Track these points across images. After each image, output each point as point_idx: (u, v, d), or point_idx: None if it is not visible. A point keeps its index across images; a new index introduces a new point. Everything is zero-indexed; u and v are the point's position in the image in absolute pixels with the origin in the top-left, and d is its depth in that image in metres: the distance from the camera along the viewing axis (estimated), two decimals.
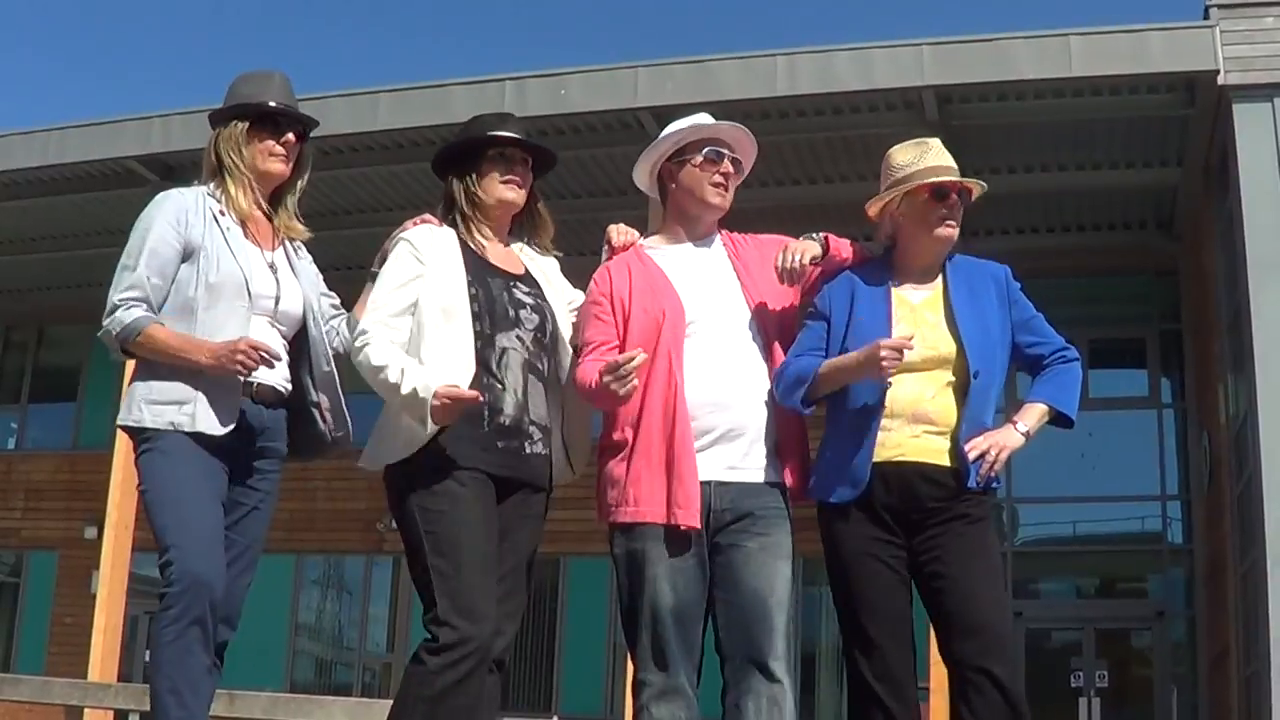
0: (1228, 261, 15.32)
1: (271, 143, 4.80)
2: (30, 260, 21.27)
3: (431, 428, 4.35)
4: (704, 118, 4.89)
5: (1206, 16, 14.70)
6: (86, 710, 15.21)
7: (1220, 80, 14.33)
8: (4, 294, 23.39)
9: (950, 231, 4.67)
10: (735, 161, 4.79)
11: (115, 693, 11.80)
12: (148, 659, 21.04)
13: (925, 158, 4.71)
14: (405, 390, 4.35)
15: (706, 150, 4.77)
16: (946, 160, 4.72)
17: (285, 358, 4.76)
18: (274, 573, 19.44)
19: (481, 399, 4.43)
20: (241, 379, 4.53)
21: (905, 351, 4.36)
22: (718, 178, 4.76)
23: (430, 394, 4.29)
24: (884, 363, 4.33)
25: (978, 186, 4.74)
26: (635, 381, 4.32)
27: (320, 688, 21.50)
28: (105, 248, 19.55)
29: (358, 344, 4.56)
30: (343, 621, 23.00)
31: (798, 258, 4.66)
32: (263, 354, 4.41)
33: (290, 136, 4.81)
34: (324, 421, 4.83)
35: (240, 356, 4.37)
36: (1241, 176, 14.12)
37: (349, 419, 4.88)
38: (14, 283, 22.83)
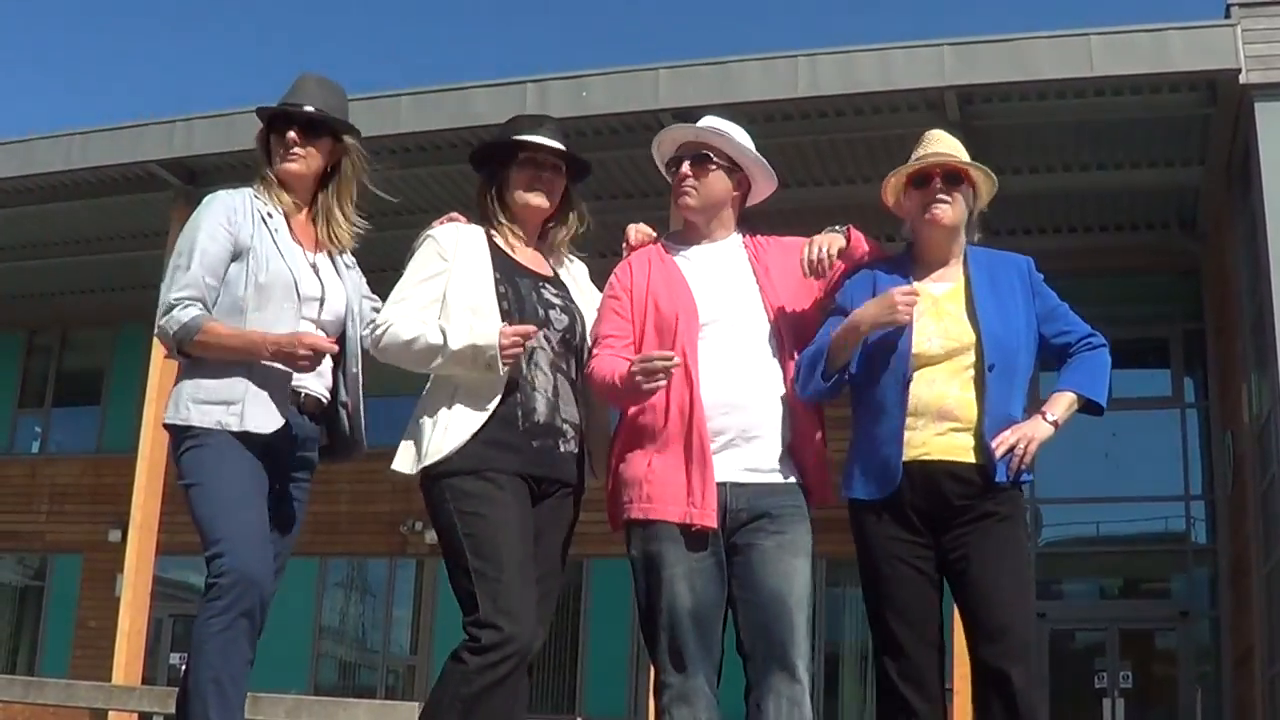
0: (1250, 260, 15.29)
1: (280, 145, 4.81)
2: (53, 264, 21.35)
3: (502, 371, 4.39)
4: (706, 121, 4.91)
5: (1227, 15, 14.67)
6: (111, 713, 15.25)
7: (1242, 79, 14.31)
8: (28, 298, 23.48)
9: (939, 212, 4.65)
10: (699, 156, 4.77)
11: (140, 695, 11.83)
12: (177, 659, 21.11)
13: (920, 149, 4.76)
14: (458, 345, 4.38)
15: (668, 161, 4.87)
16: (938, 147, 4.72)
17: (331, 363, 4.78)
18: (298, 576, 19.42)
19: (536, 331, 4.47)
20: (289, 384, 4.57)
21: (914, 302, 4.39)
22: (677, 185, 4.79)
23: (493, 340, 4.34)
24: (900, 306, 4.36)
25: (972, 168, 4.72)
26: (664, 380, 4.30)
27: (344, 690, 21.52)
28: (128, 251, 19.76)
29: (377, 332, 4.57)
30: (366, 624, 23.04)
31: (824, 249, 4.65)
32: (320, 349, 4.43)
33: (291, 135, 4.81)
34: (347, 420, 4.84)
35: (302, 355, 4.40)
36: (1264, 175, 14.09)
37: (364, 423, 4.89)
38: (37, 286, 22.91)
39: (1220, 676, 18.18)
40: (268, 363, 4.48)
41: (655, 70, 15.91)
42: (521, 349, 4.42)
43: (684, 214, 4.83)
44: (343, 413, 4.82)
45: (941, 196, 4.65)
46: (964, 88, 15.06)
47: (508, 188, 4.81)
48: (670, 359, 4.27)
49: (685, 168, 4.76)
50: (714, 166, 4.77)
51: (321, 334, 4.71)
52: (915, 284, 4.65)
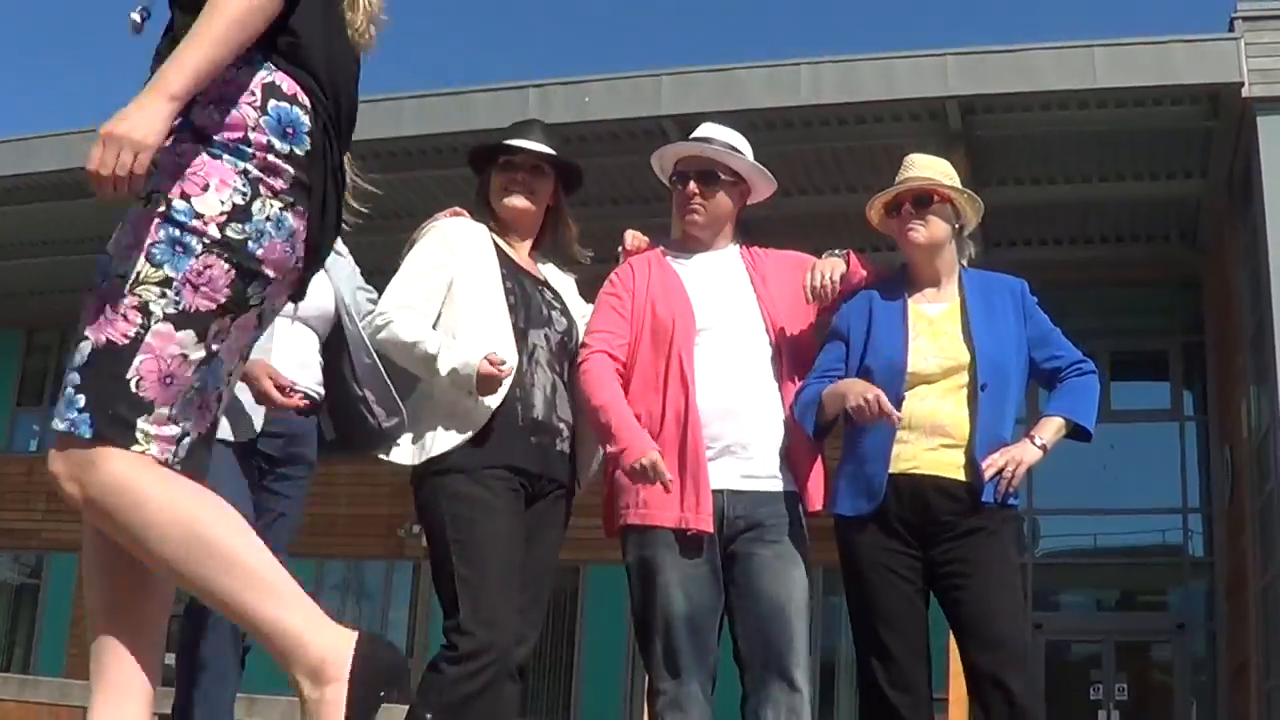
0: (1251, 274, 15.30)
1: None
2: (53, 262, 21.32)
3: (488, 402, 4.37)
4: (706, 129, 4.90)
5: (1231, 29, 14.69)
6: None
7: (1244, 92, 14.32)
8: (27, 296, 23.46)
9: (913, 235, 4.69)
10: (707, 175, 4.78)
11: None
12: (172, 659, 21.08)
13: (899, 175, 4.80)
14: (444, 367, 4.35)
15: (669, 177, 4.86)
16: (909, 173, 4.78)
17: (319, 359, 4.77)
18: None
19: (509, 372, 4.42)
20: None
21: (889, 416, 4.35)
22: (682, 201, 4.80)
23: (473, 370, 4.30)
24: (859, 405, 4.35)
25: (940, 186, 4.73)
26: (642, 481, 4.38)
27: None
28: None
29: (378, 322, 4.54)
30: (363, 626, 22.93)
31: (827, 276, 4.66)
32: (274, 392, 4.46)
33: None
34: (373, 416, 4.82)
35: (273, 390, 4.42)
36: (1265, 189, 14.09)
37: (402, 407, 4.87)
38: (37, 285, 22.89)
39: (1216, 689, 18.18)
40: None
41: (658, 76, 15.91)
42: (493, 383, 4.39)
43: (690, 231, 4.83)
44: (363, 408, 4.80)
45: (912, 223, 4.70)
46: (966, 98, 15.06)
47: (490, 192, 4.81)
48: (666, 485, 4.33)
49: (692, 186, 4.75)
50: (720, 184, 4.78)
51: (305, 330, 4.72)
52: (910, 303, 4.69)
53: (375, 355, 4.82)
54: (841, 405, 4.46)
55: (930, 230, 4.70)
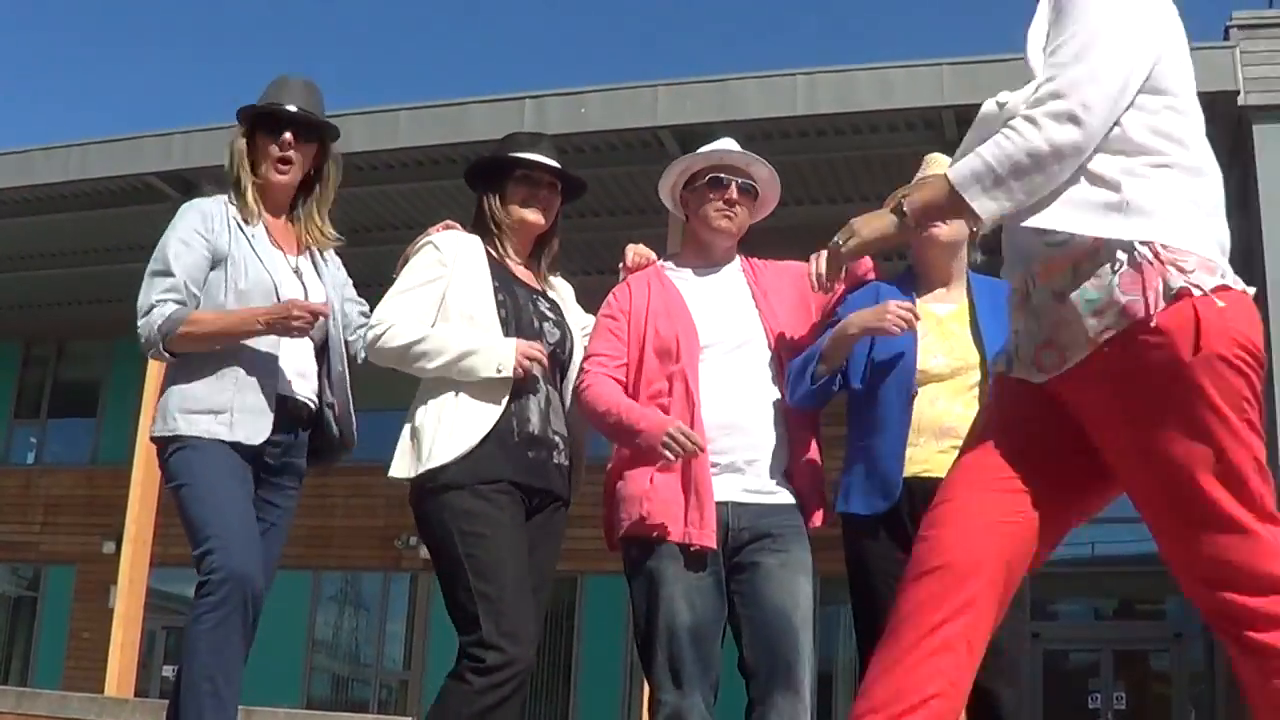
0: (1247, 281, 15.26)
1: (271, 146, 4.79)
2: (51, 275, 21.33)
3: (484, 417, 4.45)
4: (726, 142, 4.88)
5: (1226, 37, 14.68)
6: None
7: (1240, 101, 14.30)
8: (24, 309, 23.46)
9: (936, 230, 4.66)
10: (747, 187, 4.77)
11: (132, 707, 11.82)
12: (170, 671, 21.10)
13: (921, 172, 4.78)
14: (463, 347, 4.44)
15: (709, 177, 4.77)
16: (939, 169, 4.75)
17: (315, 366, 4.78)
18: (291, 589, 19.43)
19: (541, 357, 4.55)
20: (276, 392, 4.58)
21: (911, 320, 4.39)
22: (721, 204, 4.74)
23: (510, 348, 4.43)
24: (891, 316, 4.36)
25: None
26: (675, 460, 4.34)
27: (337, 705, 21.52)
28: (126, 263, 19.74)
29: (377, 331, 4.57)
30: (360, 638, 23.02)
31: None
32: (314, 312, 4.47)
33: (287, 136, 4.78)
34: (336, 424, 4.83)
35: (293, 320, 4.43)
36: (1261, 196, 14.08)
37: (354, 424, 4.89)
38: (34, 298, 22.90)
39: (1214, 698, 18.16)
40: (252, 373, 4.51)
41: (654, 87, 15.89)
42: (529, 367, 4.47)
43: (714, 237, 4.80)
44: (329, 414, 4.82)
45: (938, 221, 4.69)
46: (963, 107, 15.02)
47: (503, 204, 4.81)
48: (699, 450, 4.31)
49: (735, 192, 4.75)
50: (750, 203, 4.80)
51: (305, 339, 4.73)
52: (919, 302, 4.67)
53: (345, 364, 4.85)
54: (848, 345, 4.48)
55: (952, 228, 4.70)
